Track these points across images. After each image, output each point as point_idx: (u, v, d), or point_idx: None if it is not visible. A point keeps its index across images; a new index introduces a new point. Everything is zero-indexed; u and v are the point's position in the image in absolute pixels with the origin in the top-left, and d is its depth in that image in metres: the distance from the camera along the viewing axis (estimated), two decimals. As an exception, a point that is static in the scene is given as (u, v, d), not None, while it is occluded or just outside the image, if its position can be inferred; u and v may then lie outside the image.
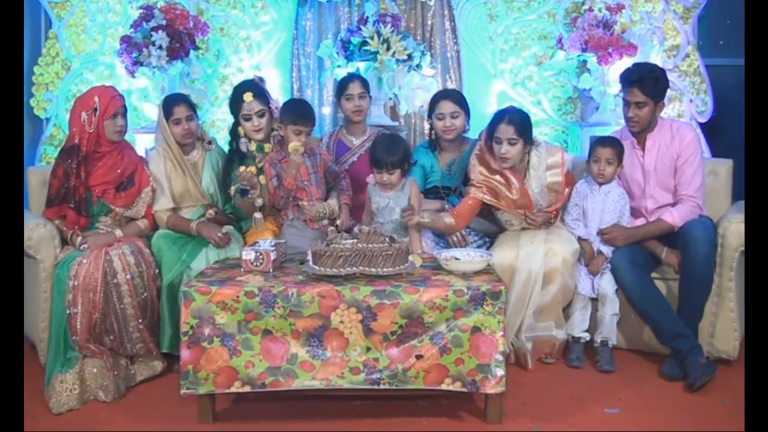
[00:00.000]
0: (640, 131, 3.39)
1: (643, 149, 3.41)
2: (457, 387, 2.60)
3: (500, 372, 2.59)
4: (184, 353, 2.61)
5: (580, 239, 3.35)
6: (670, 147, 3.35)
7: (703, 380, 2.94)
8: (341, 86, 3.90)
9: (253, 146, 3.50)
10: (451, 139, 3.63)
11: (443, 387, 2.60)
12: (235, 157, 3.53)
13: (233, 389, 2.61)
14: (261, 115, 3.49)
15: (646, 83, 3.26)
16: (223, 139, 4.39)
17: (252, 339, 2.60)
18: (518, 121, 3.24)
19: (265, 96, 3.55)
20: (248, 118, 3.49)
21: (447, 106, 3.59)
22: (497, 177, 3.33)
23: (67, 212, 3.16)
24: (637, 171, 3.43)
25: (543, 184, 3.34)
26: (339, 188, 3.56)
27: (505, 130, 3.22)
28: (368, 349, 2.59)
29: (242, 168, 3.30)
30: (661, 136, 3.38)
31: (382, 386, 2.59)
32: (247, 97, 3.46)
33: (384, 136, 3.55)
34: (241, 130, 3.53)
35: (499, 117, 3.29)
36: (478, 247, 3.44)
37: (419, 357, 2.59)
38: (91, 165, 3.20)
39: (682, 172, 3.32)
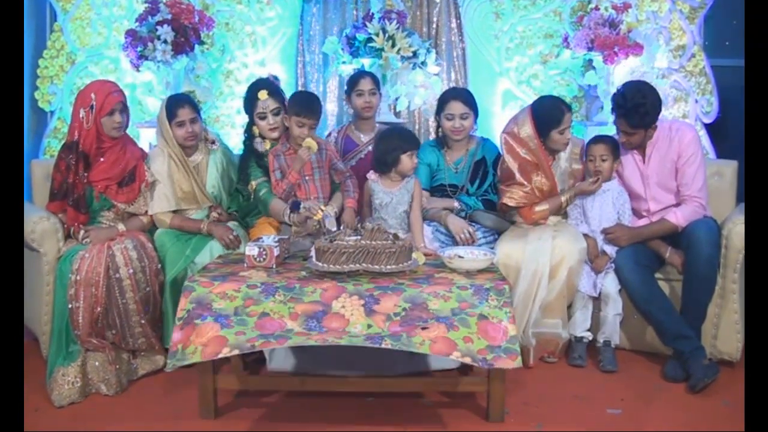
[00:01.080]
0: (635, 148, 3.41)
1: (642, 153, 3.41)
2: (467, 360, 2.45)
3: (515, 350, 2.46)
4: (176, 335, 2.51)
5: (585, 235, 3.36)
6: (670, 148, 3.34)
7: (705, 382, 2.93)
8: (352, 82, 3.88)
9: (267, 145, 3.48)
10: (459, 139, 3.63)
11: (452, 357, 2.46)
12: (251, 155, 3.50)
13: (221, 355, 2.45)
14: (276, 114, 3.46)
15: (633, 118, 3.24)
16: (227, 135, 4.40)
17: (248, 320, 2.52)
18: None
19: (280, 94, 3.52)
20: (263, 117, 3.46)
21: (457, 107, 3.58)
22: (529, 157, 3.39)
23: (67, 209, 3.17)
24: (637, 175, 3.43)
25: (567, 168, 3.47)
26: (345, 188, 3.52)
27: (569, 119, 3.40)
28: (369, 326, 2.49)
29: (317, 210, 3.14)
30: (659, 139, 3.37)
31: (384, 346, 2.42)
32: (262, 95, 3.43)
33: (393, 127, 3.63)
34: (255, 129, 3.50)
35: (563, 108, 3.40)
36: (486, 243, 3.45)
37: (425, 329, 2.48)
38: (93, 161, 3.20)
39: (684, 173, 3.31)
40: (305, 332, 2.48)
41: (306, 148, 3.25)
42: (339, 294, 2.56)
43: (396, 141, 3.31)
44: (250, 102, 3.50)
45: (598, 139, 3.46)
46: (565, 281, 3.23)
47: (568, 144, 3.43)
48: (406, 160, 3.28)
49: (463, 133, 3.62)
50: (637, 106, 3.21)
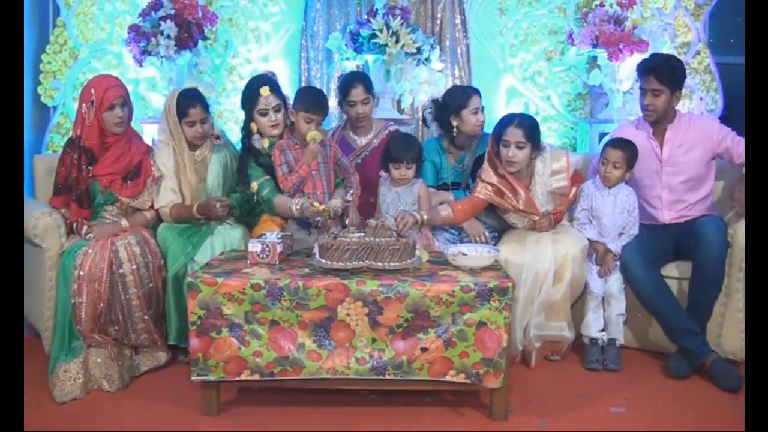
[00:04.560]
0: (657, 121, 3.38)
1: (660, 141, 3.39)
2: (461, 378, 2.60)
3: (501, 366, 2.59)
4: (193, 342, 2.61)
5: (591, 241, 3.29)
6: (686, 136, 3.35)
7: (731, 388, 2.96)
8: (343, 91, 3.75)
9: (266, 143, 3.43)
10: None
11: (447, 378, 2.61)
12: (249, 153, 3.46)
13: (243, 377, 2.63)
14: (277, 110, 3.43)
15: (663, 72, 3.28)
16: (230, 131, 4.39)
17: (260, 329, 2.60)
18: (528, 125, 3.22)
19: (280, 90, 3.49)
20: (265, 114, 3.42)
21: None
22: (504, 183, 3.30)
23: (71, 204, 3.16)
24: (653, 162, 3.40)
25: (548, 191, 3.31)
26: (348, 184, 3.49)
27: (514, 134, 3.20)
28: (374, 340, 2.60)
29: (320, 207, 3.16)
30: (679, 126, 3.38)
31: (387, 377, 2.60)
32: (264, 91, 3.38)
33: (398, 135, 3.59)
34: (253, 127, 3.45)
35: (508, 120, 3.26)
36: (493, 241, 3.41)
37: (424, 350, 2.59)
38: (98, 155, 3.19)
39: (733, 149, 3.30)
40: (316, 350, 2.60)
41: (312, 140, 3.23)
42: (343, 297, 2.57)
43: (391, 148, 3.38)
44: (250, 99, 3.44)
45: (617, 144, 3.30)
46: (570, 282, 3.20)
47: (513, 164, 3.22)
48: (392, 169, 3.36)
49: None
50: (667, 60, 3.37)
